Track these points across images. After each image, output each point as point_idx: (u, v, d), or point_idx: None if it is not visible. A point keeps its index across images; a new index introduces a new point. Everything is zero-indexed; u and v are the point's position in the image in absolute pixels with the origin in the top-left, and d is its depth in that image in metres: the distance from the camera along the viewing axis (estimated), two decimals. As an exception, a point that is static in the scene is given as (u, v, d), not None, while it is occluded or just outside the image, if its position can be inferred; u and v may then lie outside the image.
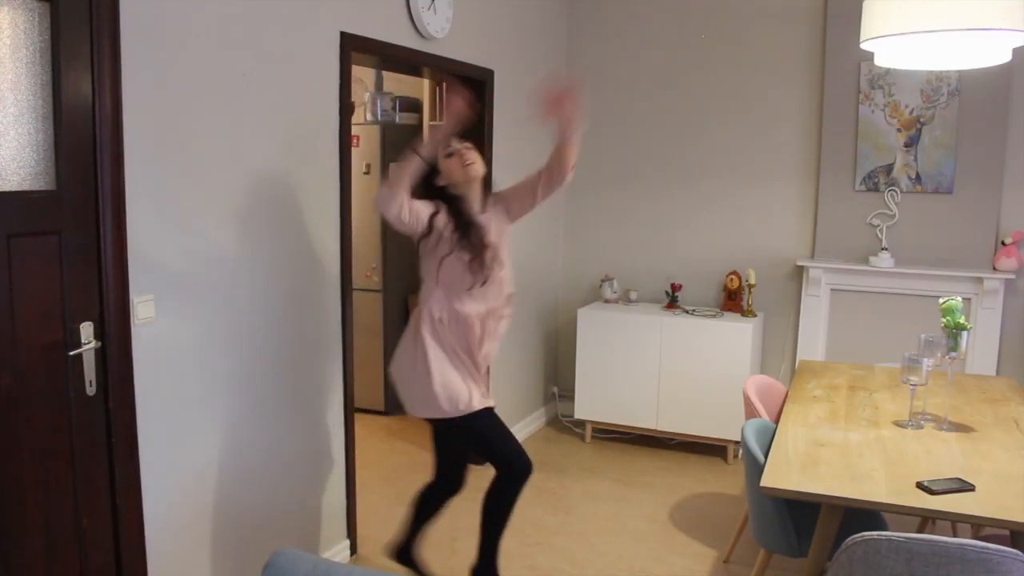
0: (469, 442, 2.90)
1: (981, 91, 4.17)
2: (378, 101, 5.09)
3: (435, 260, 2.69)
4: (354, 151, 3.56)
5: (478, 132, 4.14)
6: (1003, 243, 4.21)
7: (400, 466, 4.41)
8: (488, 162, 4.15)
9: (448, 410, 2.70)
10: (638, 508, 3.90)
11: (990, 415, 2.93)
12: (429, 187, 2.70)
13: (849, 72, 4.40)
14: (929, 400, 2.97)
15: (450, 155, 2.69)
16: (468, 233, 2.67)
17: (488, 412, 2.80)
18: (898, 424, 2.81)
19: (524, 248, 4.70)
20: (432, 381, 2.68)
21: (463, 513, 3.77)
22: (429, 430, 2.96)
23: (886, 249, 4.39)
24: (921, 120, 4.31)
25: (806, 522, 2.58)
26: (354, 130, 4.45)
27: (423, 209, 2.63)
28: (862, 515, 2.54)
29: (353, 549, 3.40)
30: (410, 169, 2.54)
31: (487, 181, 2.84)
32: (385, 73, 5.32)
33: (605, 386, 4.69)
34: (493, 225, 2.78)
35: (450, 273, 2.69)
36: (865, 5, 2.71)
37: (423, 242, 2.69)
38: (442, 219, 2.67)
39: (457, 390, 2.71)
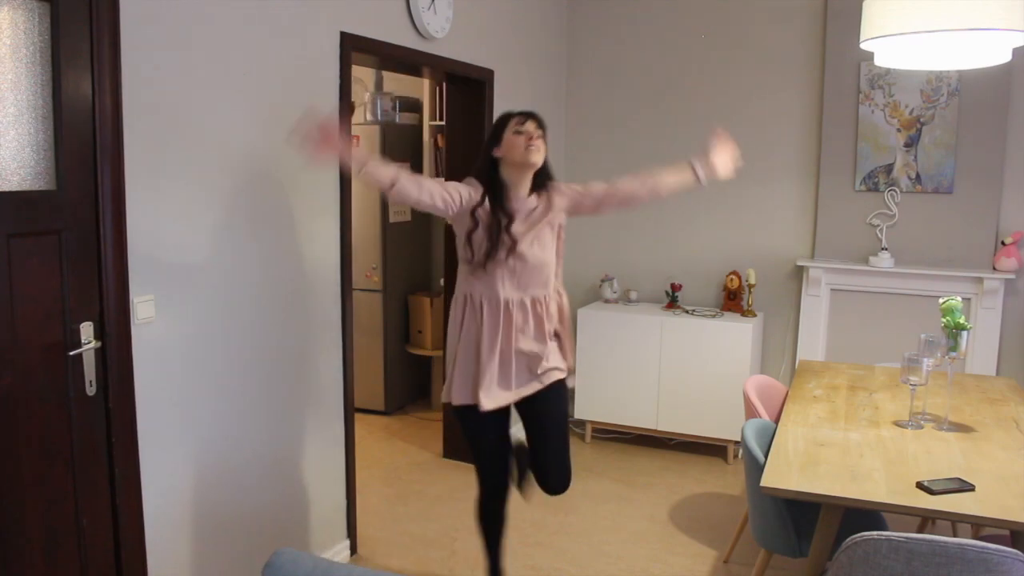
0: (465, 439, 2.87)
1: (981, 91, 4.17)
2: (378, 101, 5.09)
3: (462, 238, 2.64)
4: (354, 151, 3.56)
5: (478, 132, 4.14)
6: (1003, 243, 4.21)
7: (400, 466, 4.41)
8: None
9: (442, 396, 2.76)
10: (638, 508, 3.90)
11: (990, 415, 2.93)
12: (487, 157, 2.65)
13: (849, 72, 4.40)
14: (929, 400, 2.97)
15: (519, 133, 2.60)
16: (499, 220, 2.60)
17: (476, 414, 2.66)
18: (898, 424, 2.81)
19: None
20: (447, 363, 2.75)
21: (463, 513, 3.77)
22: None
23: (886, 249, 4.39)
24: (921, 120, 4.31)
25: (806, 522, 2.58)
26: (354, 130, 4.45)
27: (454, 191, 2.58)
28: (862, 515, 2.54)
29: (353, 549, 3.40)
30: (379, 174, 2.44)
31: (544, 169, 2.72)
32: (385, 73, 5.32)
33: (605, 386, 4.69)
34: (534, 213, 2.67)
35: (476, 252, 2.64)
36: (865, 5, 2.71)
37: (456, 223, 2.65)
38: (483, 209, 2.60)
39: (449, 377, 2.72)
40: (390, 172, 2.44)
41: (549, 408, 2.73)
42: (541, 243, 2.68)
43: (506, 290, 2.63)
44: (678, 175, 2.72)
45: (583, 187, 2.78)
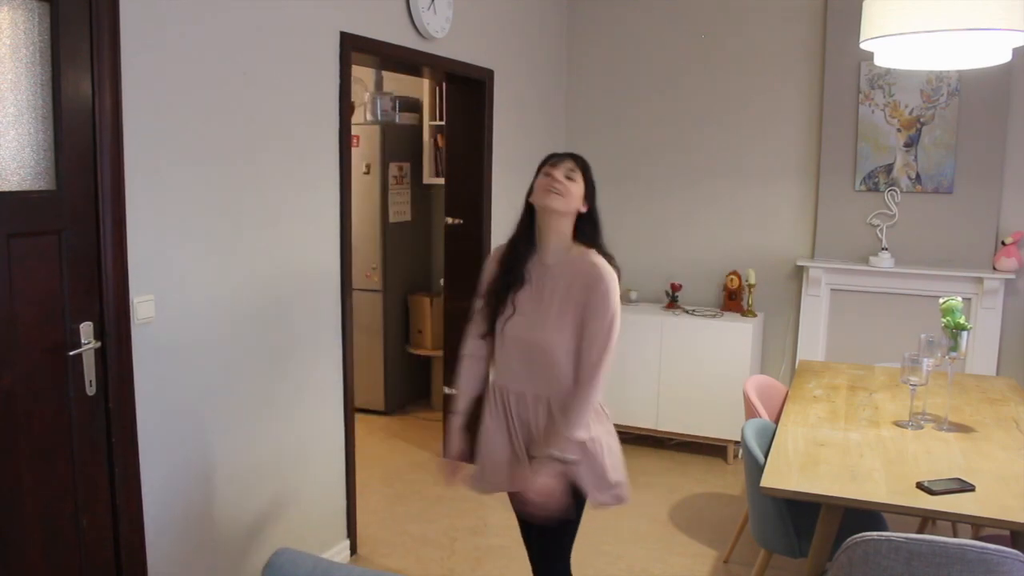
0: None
1: (981, 91, 4.17)
2: (378, 101, 5.09)
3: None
4: (354, 151, 3.56)
5: (478, 132, 4.14)
6: (1003, 243, 4.21)
7: (400, 466, 4.41)
8: (488, 162, 4.19)
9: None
10: (638, 508, 3.90)
11: (990, 415, 2.93)
12: (525, 203, 2.31)
13: (849, 72, 4.40)
14: (929, 400, 2.97)
15: (547, 175, 2.22)
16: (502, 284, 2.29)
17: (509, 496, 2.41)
18: (898, 424, 2.81)
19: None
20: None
21: (463, 513, 3.77)
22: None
23: (886, 249, 4.39)
24: (921, 120, 4.31)
25: (806, 522, 2.58)
26: (354, 130, 4.45)
27: (478, 303, 2.37)
28: (862, 515, 2.53)
29: (353, 549, 3.40)
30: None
31: (590, 218, 2.27)
32: (385, 73, 5.32)
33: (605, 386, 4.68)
34: (555, 283, 2.22)
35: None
36: (865, 5, 2.71)
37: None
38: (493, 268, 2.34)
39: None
40: (460, 401, 2.37)
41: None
42: (544, 311, 2.21)
43: (502, 374, 2.31)
44: (561, 428, 2.21)
45: (593, 336, 2.22)
